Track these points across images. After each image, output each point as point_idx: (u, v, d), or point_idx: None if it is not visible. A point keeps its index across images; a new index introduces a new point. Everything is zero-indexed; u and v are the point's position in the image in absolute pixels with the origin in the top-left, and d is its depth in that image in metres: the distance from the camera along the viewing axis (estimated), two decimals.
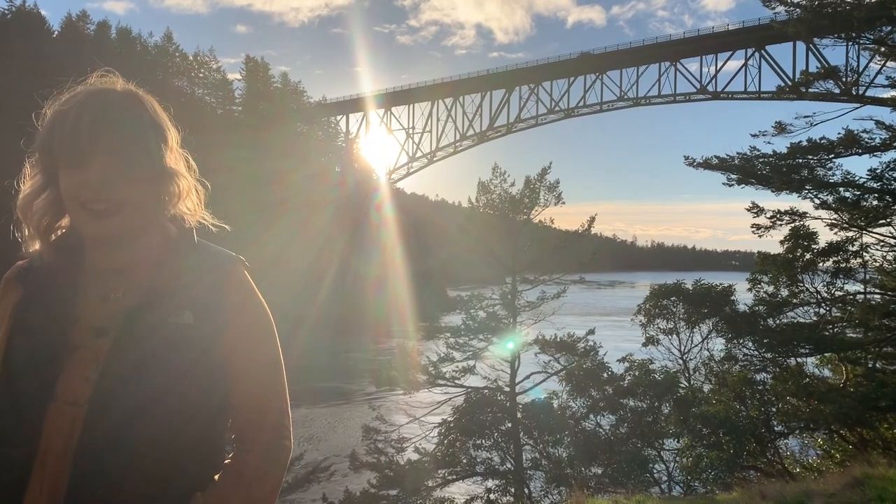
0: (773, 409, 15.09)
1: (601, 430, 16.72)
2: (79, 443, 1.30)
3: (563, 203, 18.60)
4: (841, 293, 16.18)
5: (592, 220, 19.05)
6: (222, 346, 1.41)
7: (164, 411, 1.33)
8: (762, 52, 66.65)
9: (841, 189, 14.81)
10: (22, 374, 1.35)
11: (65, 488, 1.29)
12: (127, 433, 1.30)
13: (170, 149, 1.46)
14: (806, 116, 15.50)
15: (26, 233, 1.46)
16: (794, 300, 16.23)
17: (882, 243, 15.35)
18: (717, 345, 17.76)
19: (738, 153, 15.65)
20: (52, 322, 1.38)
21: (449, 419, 16.95)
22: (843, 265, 15.96)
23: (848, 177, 14.71)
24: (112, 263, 1.43)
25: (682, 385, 16.98)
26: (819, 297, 16.19)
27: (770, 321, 16.13)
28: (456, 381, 17.52)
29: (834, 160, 14.81)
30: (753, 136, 16.03)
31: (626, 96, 77.86)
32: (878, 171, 14.38)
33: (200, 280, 1.44)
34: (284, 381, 1.51)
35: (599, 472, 15.56)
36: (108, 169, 1.35)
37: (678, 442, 15.91)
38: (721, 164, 15.79)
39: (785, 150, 15.10)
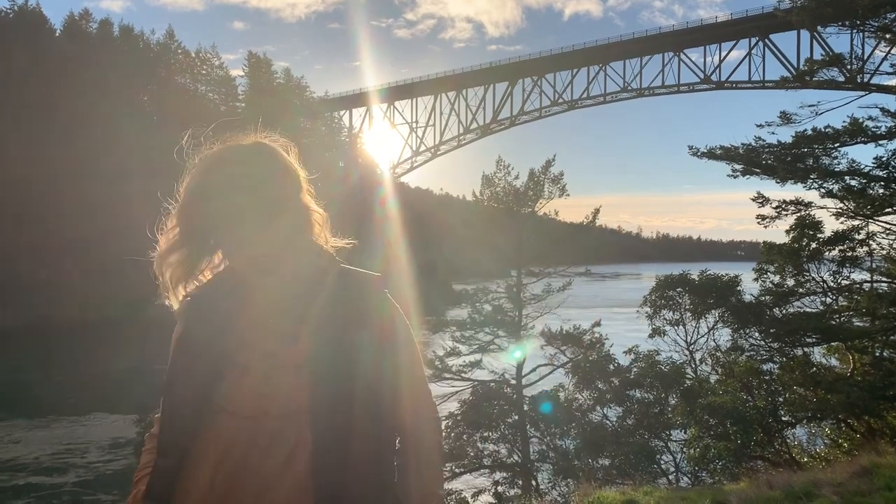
0: (781, 399, 15.05)
1: (608, 421, 16.73)
2: (312, 448, 1.39)
3: (568, 195, 18.58)
4: (847, 282, 16.09)
5: (597, 211, 19.01)
6: (377, 355, 1.53)
7: (361, 418, 1.45)
8: (766, 41, 66.25)
9: (846, 178, 14.75)
10: (183, 387, 1.48)
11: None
12: (344, 436, 1.42)
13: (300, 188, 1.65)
14: (811, 105, 15.44)
15: (161, 285, 1.58)
16: (801, 290, 16.16)
17: (888, 231, 15.29)
18: (724, 335, 17.69)
19: (742, 143, 15.60)
20: (212, 345, 1.49)
21: (456, 412, 17.00)
22: (850, 254, 15.86)
23: (853, 165, 14.64)
24: (267, 291, 1.53)
25: (688, 376, 16.95)
26: (825, 286, 16.12)
27: (776, 311, 16.08)
28: (462, 375, 17.55)
29: (839, 149, 14.74)
30: (758, 126, 15.97)
31: (629, 87, 77.60)
32: (883, 159, 14.33)
33: (351, 301, 1.55)
34: (422, 370, 1.68)
35: (607, 463, 15.57)
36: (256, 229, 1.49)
37: (685, 433, 15.90)
38: (725, 155, 15.73)
39: (790, 140, 15.03)
